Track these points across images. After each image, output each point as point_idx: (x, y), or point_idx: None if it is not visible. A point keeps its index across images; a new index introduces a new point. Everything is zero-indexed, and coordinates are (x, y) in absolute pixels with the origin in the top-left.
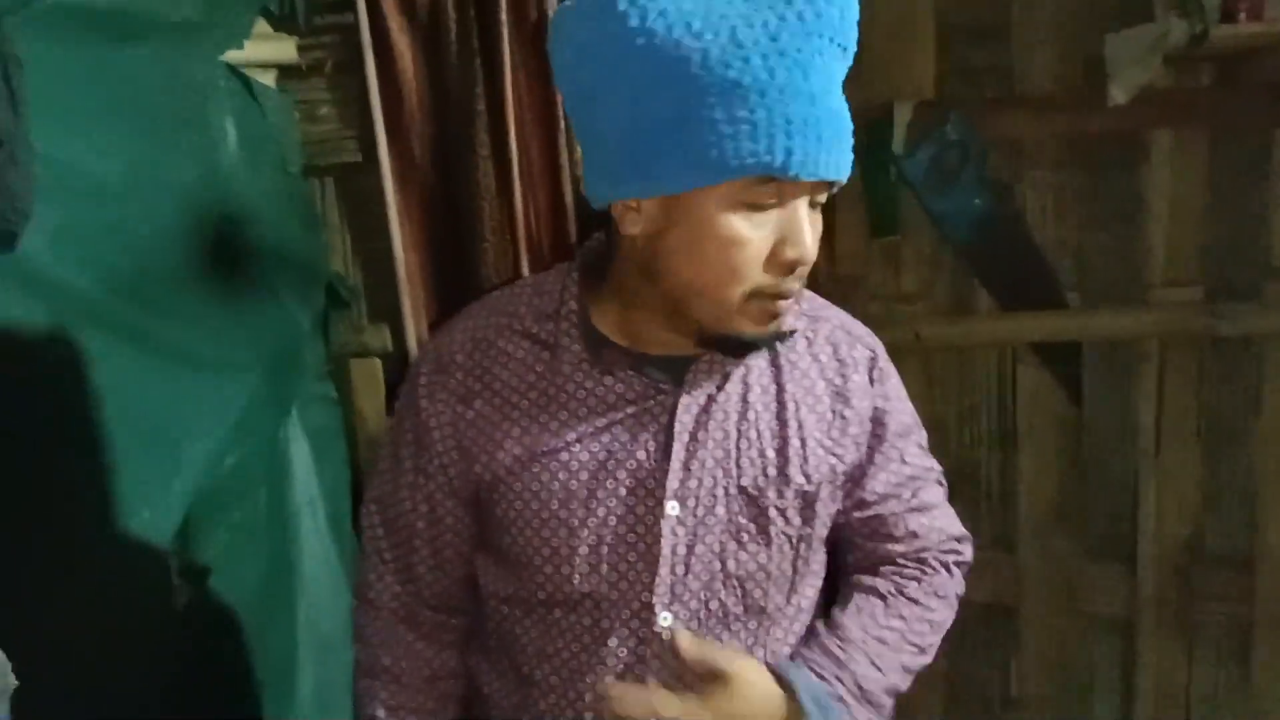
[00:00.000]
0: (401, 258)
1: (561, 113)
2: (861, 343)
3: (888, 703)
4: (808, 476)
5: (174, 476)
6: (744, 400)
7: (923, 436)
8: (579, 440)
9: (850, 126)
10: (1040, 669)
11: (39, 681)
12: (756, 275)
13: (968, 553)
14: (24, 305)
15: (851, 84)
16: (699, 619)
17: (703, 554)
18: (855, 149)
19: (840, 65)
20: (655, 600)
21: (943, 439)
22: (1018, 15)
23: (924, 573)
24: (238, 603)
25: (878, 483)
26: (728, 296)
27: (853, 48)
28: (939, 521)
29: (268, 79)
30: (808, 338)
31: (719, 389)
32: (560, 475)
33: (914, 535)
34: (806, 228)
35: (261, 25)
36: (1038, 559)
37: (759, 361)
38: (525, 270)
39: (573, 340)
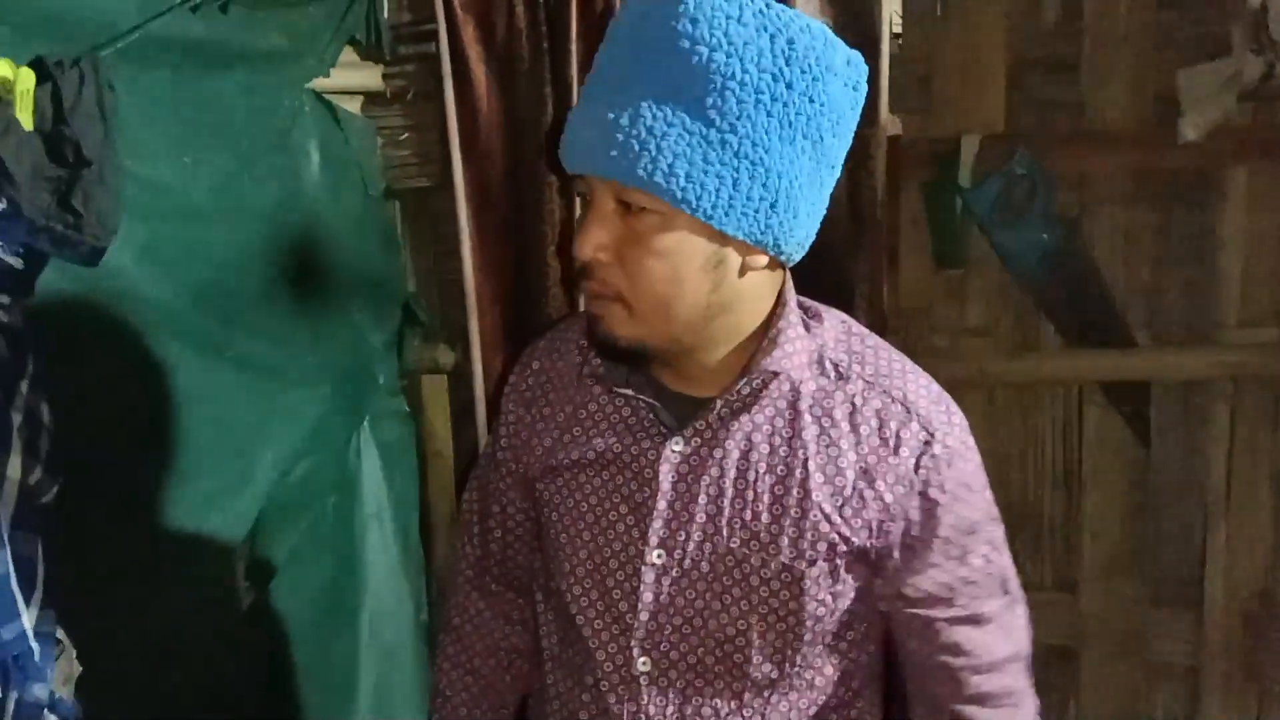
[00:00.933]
0: (471, 279)
1: None
2: (920, 422)
3: None
4: (799, 552)
5: (245, 483)
6: (745, 458)
7: (995, 534)
8: (591, 464)
9: (634, 137)
10: (1100, 715)
11: (104, 670)
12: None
13: (1021, 683)
14: (110, 317)
15: (920, 116)
16: (678, 670)
17: (683, 608)
18: (923, 182)
19: (640, 79)
20: (634, 644)
21: (1005, 477)
22: (1090, 49)
23: None
24: (302, 607)
25: (925, 580)
26: None
27: (675, 67)
28: (990, 637)
29: (354, 105)
30: (854, 404)
31: (719, 441)
32: (576, 494)
33: (957, 647)
34: (586, 222)
35: (349, 54)
36: (1101, 602)
37: (776, 420)
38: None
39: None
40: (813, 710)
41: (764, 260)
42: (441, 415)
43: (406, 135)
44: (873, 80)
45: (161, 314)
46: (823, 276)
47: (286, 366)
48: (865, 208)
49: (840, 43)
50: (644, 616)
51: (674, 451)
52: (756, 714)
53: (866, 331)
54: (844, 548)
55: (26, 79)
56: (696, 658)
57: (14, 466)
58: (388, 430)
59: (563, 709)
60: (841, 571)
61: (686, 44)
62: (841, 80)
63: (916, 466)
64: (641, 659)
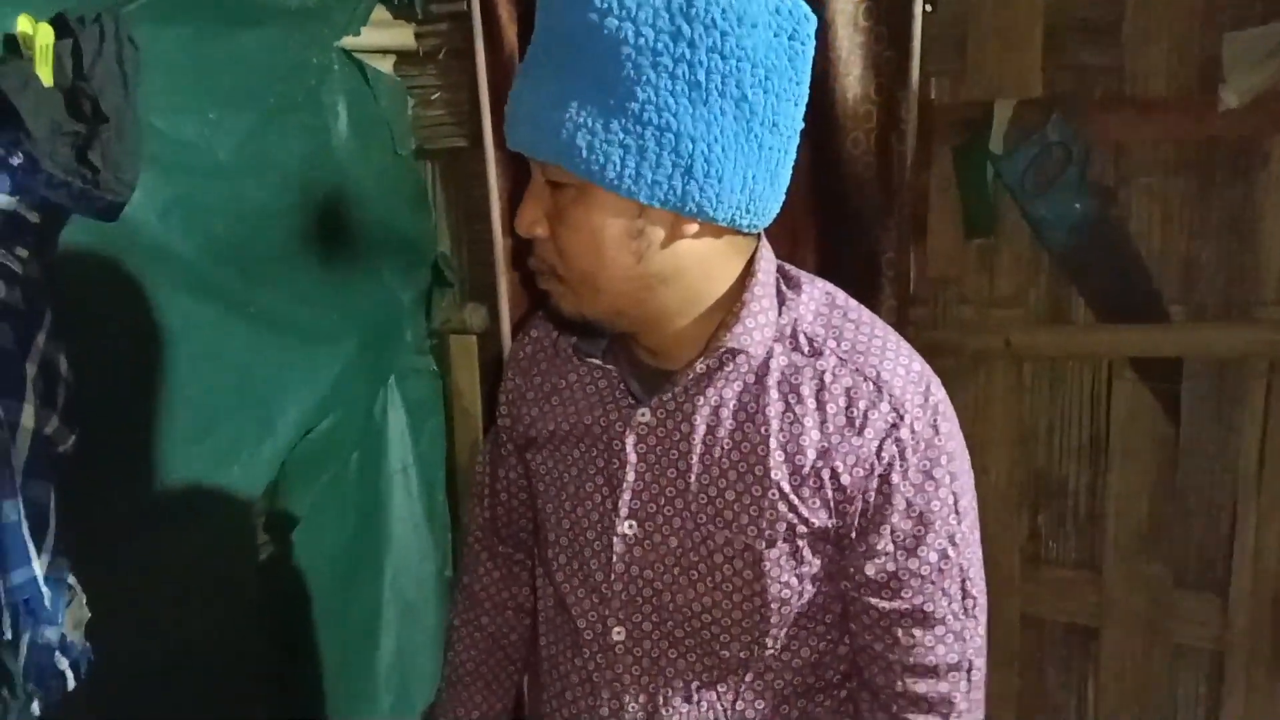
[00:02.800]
0: (500, 241)
1: None
2: (890, 403)
3: None
4: (759, 530)
5: (265, 436)
6: (712, 434)
7: (959, 529)
8: (567, 436)
9: (541, 111)
10: (1120, 695)
11: (117, 616)
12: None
13: (958, 694)
14: (133, 271)
15: (953, 79)
16: (651, 640)
17: (653, 580)
18: (954, 147)
19: (555, 57)
20: (609, 614)
21: (1030, 452)
22: (1131, 11)
23: None
24: (323, 560)
25: (870, 565)
26: None
27: (574, 37)
28: (935, 639)
29: (386, 64)
30: (823, 380)
31: (685, 415)
32: (558, 466)
33: (897, 642)
34: (524, 200)
35: (381, 12)
36: (1124, 582)
37: (744, 395)
38: None
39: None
40: (789, 691)
41: (694, 228)
42: (469, 374)
43: (438, 95)
44: (905, 42)
45: (184, 269)
46: (848, 244)
47: (309, 323)
48: (894, 174)
49: None
50: (617, 587)
51: (640, 423)
52: (730, 690)
53: (853, 305)
54: (803, 529)
55: (46, 34)
56: (667, 630)
57: (28, 415)
58: (415, 388)
59: (553, 670)
60: (805, 553)
61: (580, 12)
62: (767, 30)
63: (879, 450)
64: (616, 629)
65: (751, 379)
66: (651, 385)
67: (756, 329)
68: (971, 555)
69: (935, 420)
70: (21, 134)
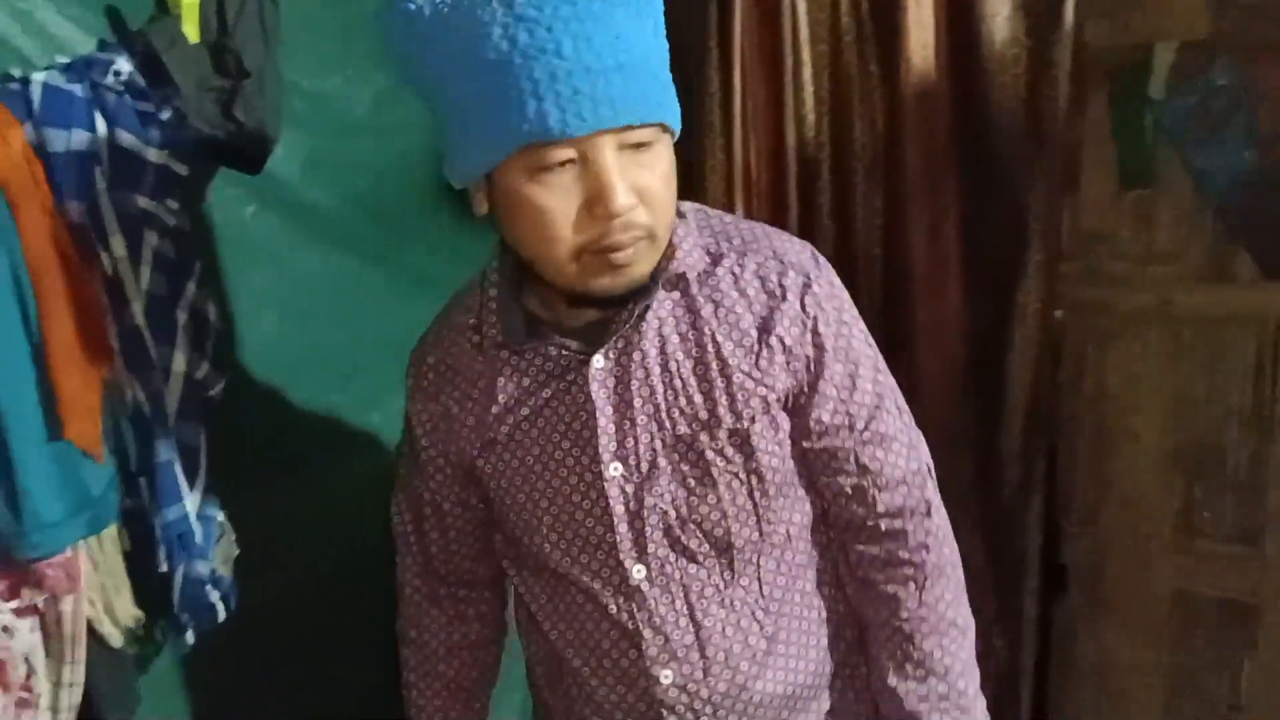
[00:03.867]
0: None
1: (788, 53)
2: (795, 269)
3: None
4: (738, 414)
5: (404, 383)
6: (663, 352)
7: (877, 357)
8: (524, 421)
9: (629, 67)
10: (1278, 677)
11: (261, 553)
12: (573, 236)
13: (930, 493)
14: (277, 224)
15: (1109, 21)
16: (670, 564)
17: (654, 506)
18: (1110, 93)
19: (609, 12)
20: (623, 557)
21: (1187, 419)
22: None
23: (902, 570)
24: None
25: (824, 412)
26: (556, 258)
27: (632, 9)
28: (895, 454)
29: None
30: (734, 273)
31: (634, 347)
32: (519, 454)
33: (865, 468)
34: (612, 180)
35: None
36: None
37: (676, 310)
38: (740, 208)
39: (492, 325)
40: (800, 561)
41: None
42: None
43: None
44: None
45: (324, 221)
46: (994, 196)
47: (443, 275)
48: (1045, 121)
49: None
50: (622, 529)
51: (598, 369)
52: (753, 580)
53: (721, 212)
54: (773, 395)
55: None
56: (682, 547)
57: (179, 361)
58: None
59: (580, 652)
60: (778, 419)
61: None
62: None
63: (803, 306)
64: (635, 568)
65: (678, 295)
66: (587, 340)
67: (691, 250)
68: (890, 379)
69: (830, 277)
70: (170, 90)
